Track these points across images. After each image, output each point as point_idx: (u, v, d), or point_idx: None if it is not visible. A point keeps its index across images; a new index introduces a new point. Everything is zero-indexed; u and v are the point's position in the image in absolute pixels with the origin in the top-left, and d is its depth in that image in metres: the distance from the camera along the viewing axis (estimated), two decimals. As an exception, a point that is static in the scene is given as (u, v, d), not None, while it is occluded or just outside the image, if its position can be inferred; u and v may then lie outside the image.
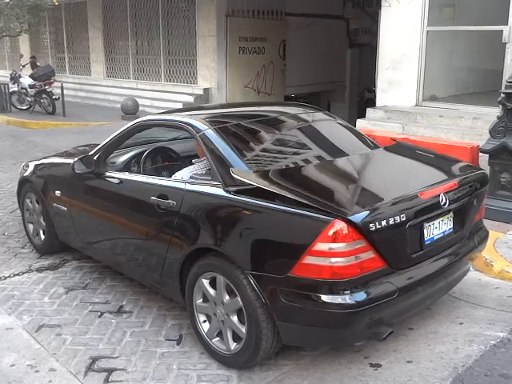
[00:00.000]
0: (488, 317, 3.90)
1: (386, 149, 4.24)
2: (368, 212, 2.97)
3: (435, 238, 3.37)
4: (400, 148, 4.46)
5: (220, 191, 3.39)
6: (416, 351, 3.49)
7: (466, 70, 11.11)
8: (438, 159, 4.22)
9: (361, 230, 2.88)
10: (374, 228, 2.91)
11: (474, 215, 3.75)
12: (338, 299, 2.91)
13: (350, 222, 2.85)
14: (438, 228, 3.40)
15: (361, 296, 2.93)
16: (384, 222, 2.97)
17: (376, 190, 3.46)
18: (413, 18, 9.37)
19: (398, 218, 3.04)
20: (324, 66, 16.18)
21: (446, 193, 3.40)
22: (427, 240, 3.30)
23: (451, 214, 3.48)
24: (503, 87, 5.88)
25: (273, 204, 3.11)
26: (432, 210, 3.32)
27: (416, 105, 9.61)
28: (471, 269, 4.52)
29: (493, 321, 3.83)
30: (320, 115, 4.57)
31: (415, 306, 3.41)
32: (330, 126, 4.45)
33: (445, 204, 3.35)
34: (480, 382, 3.14)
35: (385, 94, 9.95)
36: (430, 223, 3.33)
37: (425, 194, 3.31)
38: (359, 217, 2.90)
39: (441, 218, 3.41)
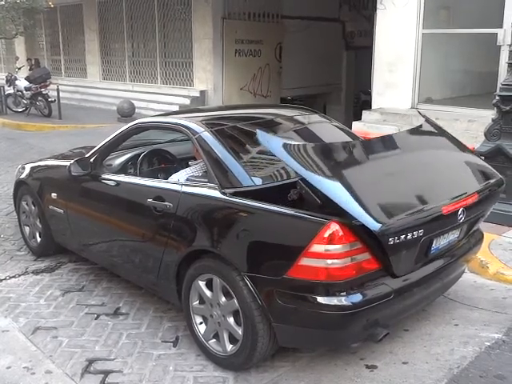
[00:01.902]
0: (483, 318, 3.92)
1: (411, 132, 3.93)
2: (390, 226, 2.84)
3: (440, 247, 3.37)
4: (425, 134, 3.99)
5: (216, 193, 3.40)
6: (412, 353, 3.50)
7: (462, 73, 11.16)
8: (463, 157, 3.88)
9: (356, 231, 2.88)
10: (391, 242, 2.86)
11: (480, 222, 3.74)
12: (333, 301, 2.92)
13: (345, 224, 2.86)
14: (447, 238, 3.40)
15: (357, 297, 2.94)
16: (402, 237, 2.91)
17: (398, 195, 3.22)
18: (408, 21, 9.41)
19: (415, 234, 2.98)
20: (320, 69, 16.20)
21: (466, 207, 3.31)
22: (433, 250, 3.30)
23: (464, 225, 3.47)
24: (498, 90, 5.91)
25: (269, 206, 3.12)
26: (449, 225, 3.31)
27: (412, 107, 9.64)
28: (467, 271, 4.53)
29: (488, 322, 3.85)
30: (316, 117, 4.58)
31: (411, 307, 3.43)
32: (325, 128, 4.46)
33: (461, 219, 3.31)
34: (475, 383, 3.16)
35: (381, 97, 9.99)
36: (442, 236, 3.33)
37: (447, 208, 3.17)
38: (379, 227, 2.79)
39: (453, 231, 3.42)
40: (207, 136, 3.69)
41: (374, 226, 2.76)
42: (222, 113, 5.06)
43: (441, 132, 4.01)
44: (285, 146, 3.12)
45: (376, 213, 2.83)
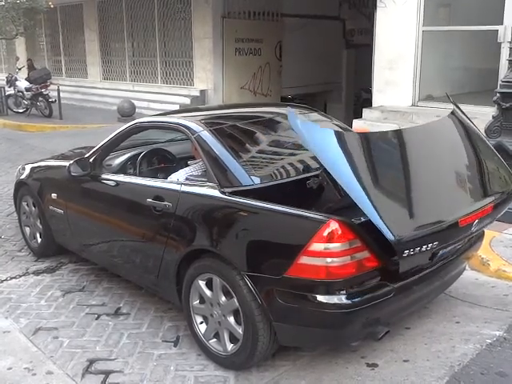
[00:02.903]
0: (484, 315, 3.91)
1: (437, 125, 3.72)
2: (406, 237, 2.79)
3: (446, 251, 3.35)
4: (450, 127, 3.69)
5: (216, 192, 3.39)
6: (413, 350, 3.50)
7: (462, 70, 11.13)
8: (485, 158, 3.64)
9: (355, 229, 2.86)
10: (406, 254, 2.81)
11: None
12: (334, 299, 2.91)
13: (344, 222, 2.84)
14: (455, 245, 3.38)
15: (357, 296, 2.93)
16: (417, 249, 2.86)
17: (418, 202, 3.04)
18: (408, 18, 9.39)
19: (430, 246, 2.93)
20: (320, 67, 16.19)
21: (480, 219, 3.23)
22: (440, 255, 3.28)
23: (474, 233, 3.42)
24: (498, 87, 5.90)
25: (268, 205, 3.11)
26: (462, 235, 3.26)
27: (412, 105, 9.63)
28: (468, 268, 4.53)
29: (489, 319, 3.84)
30: (315, 116, 4.57)
31: (411, 305, 3.42)
32: (325, 126, 4.45)
33: (475, 229, 3.27)
34: (476, 380, 3.15)
35: (381, 95, 9.97)
36: (452, 245, 3.31)
37: (464, 220, 3.07)
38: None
39: (464, 239, 3.40)
40: (206, 135, 3.68)
41: (390, 235, 2.71)
42: (221, 112, 5.05)
43: (466, 126, 3.72)
44: (318, 130, 3.04)
45: (394, 221, 2.77)
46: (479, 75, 10.79)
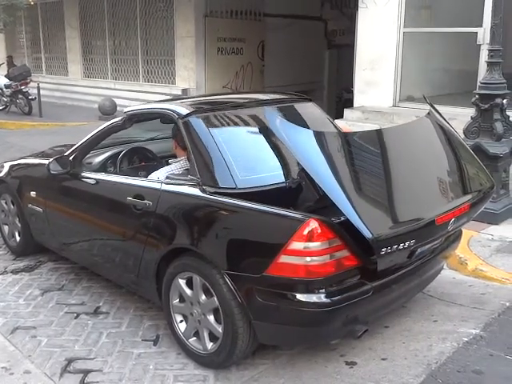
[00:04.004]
0: (461, 314, 3.96)
1: (414, 125, 3.79)
2: (384, 236, 2.83)
3: (424, 250, 3.40)
4: (427, 127, 3.74)
5: (196, 191, 3.39)
6: (391, 349, 3.53)
7: (443, 71, 11.23)
8: (462, 157, 3.68)
9: (335, 228, 2.88)
10: (383, 252, 2.84)
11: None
12: (313, 298, 2.93)
13: (324, 221, 2.87)
14: (432, 243, 3.42)
15: (336, 294, 2.95)
16: (395, 247, 2.89)
17: (395, 201, 3.09)
18: (389, 20, 9.45)
19: (407, 244, 2.96)
20: (302, 67, 16.22)
21: (457, 217, 3.28)
22: (418, 253, 3.32)
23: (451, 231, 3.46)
24: (477, 88, 5.97)
25: (248, 204, 3.12)
26: (438, 233, 3.31)
27: (393, 105, 9.69)
28: (446, 267, 4.59)
29: (466, 318, 3.89)
30: (311, 106, 4.39)
31: (390, 304, 3.46)
32: (315, 115, 4.32)
33: (451, 227, 3.31)
34: (453, 378, 3.19)
35: (362, 95, 10.02)
36: (430, 243, 3.35)
37: (441, 218, 3.13)
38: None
39: (441, 238, 3.45)
40: (196, 122, 3.56)
41: (367, 233, 2.75)
42: (215, 98, 4.96)
43: (443, 127, 3.76)
44: (292, 129, 3.05)
45: (371, 220, 2.81)
46: (459, 76, 10.89)
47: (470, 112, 6.29)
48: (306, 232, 2.84)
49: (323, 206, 3.06)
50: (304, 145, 2.99)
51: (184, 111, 3.64)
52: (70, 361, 3.51)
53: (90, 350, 3.64)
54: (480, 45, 8.41)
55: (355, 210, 2.79)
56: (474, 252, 4.87)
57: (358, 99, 10.08)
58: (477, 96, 5.68)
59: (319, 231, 2.84)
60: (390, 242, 2.86)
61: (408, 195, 3.18)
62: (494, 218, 5.49)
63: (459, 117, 8.19)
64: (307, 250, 2.85)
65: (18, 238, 5.18)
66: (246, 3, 15.18)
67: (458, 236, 3.97)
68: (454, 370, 3.26)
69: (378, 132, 3.36)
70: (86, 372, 3.39)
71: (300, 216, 2.91)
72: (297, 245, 2.86)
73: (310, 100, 4.47)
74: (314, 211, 3.03)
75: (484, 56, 8.21)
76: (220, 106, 3.93)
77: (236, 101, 4.36)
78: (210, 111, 3.75)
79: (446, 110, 8.90)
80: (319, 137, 3.03)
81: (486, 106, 5.59)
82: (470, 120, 5.79)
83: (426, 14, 10.61)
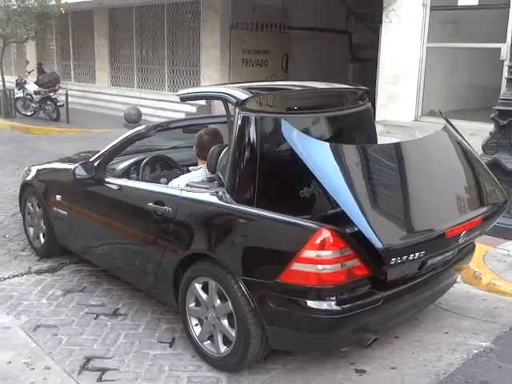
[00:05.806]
0: (473, 327, 4.00)
1: (428, 139, 3.81)
2: (394, 246, 2.90)
3: (435, 262, 3.45)
4: (442, 142, 3.80)
5: (214, 199, 3.49)
6: (400, 358, 3.59)
7: (465, 86, 11.24)
8: (475, 172, 3.72)
9: (347, 238, 2.96)
10: (393, 262, 2.90)
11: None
12: (323, 305, 3.01)
13: (336, 231, 2.95)
14: (443, 255, 3.47)
15: (346, 302, 3.03)
16: (404, 257, 2.95)
17: (407, 212, 3.17)
18: (413, 35, 9.53)
19: (417, 255, 3.02)
20: (326, 80, 16.27)
21: (468, 230, 3.32)
22: (429, 265, 3.38)
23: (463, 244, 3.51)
24: (497, 104, 6.00)
25: (264, 212, 3.21)
26: (449, 246, 3.36)
27: (415, 119, 9.75)
28: (460, 280, 4.63)
29: (477, 331, 3.93)
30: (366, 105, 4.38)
31: (400, 314, 3.51)
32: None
33: (462, 240, 3.35)
34: (460, 388, 3.25)
35: (384, 109, 10.09)
36: (440, 255, 3.41)
37: (452, 231, 3.18)
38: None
39: (452, 250, 3.51)
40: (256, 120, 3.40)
41: (378, 243, 2.82)
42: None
43: (457, 141, 3.81)
44: (306, 140, 3.15)
45: (382, 230, 2.88)
46: (482, 92, 10.88)
47: (491, 128, 6.31)
48: (318, 241, 2.93)
49: (336, 216, 3.14)
50: (319, 156, 3.08)
51: (243, 96, 3.50)
52: (88, 359, 3.63)
53: (107, 349, 3.76)
54: (503, 60, 8.41)
55: (367, 220, 2.87)
56: (489, 267, 4.89)
57: (380, 113, 10.14)
58: (496, 112, 5.72)
59: (331, 240, 2.93)
60: (400, 252, 2.93)
61: (420, 207, 3.25)
62: (510, 234, 5.50)
63: (481, 132, 8.19)
64: (319, 258, 2.94)
65: (42, 240, 5.33)
66: (271, 16, 15.35)
67: (471, 249, 4.01)
68: (461, 381, 3.30)
69: (392, 145, 3.45)
70: (104, 370, 3.51)
71: (313, 225, 3.00)
72: (309, 253, 2.95)
73: (368, 91, 4.42)
74: (327, 221, 3.11)
75: (507, 72, 8.22)
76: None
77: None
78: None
79: (467, 126, 8.96)
80: (333, 149, 3.12)
81: (505, 122, 5.63)
82: (489, 136, 5.82)
83: (449, 29, 10.65)
